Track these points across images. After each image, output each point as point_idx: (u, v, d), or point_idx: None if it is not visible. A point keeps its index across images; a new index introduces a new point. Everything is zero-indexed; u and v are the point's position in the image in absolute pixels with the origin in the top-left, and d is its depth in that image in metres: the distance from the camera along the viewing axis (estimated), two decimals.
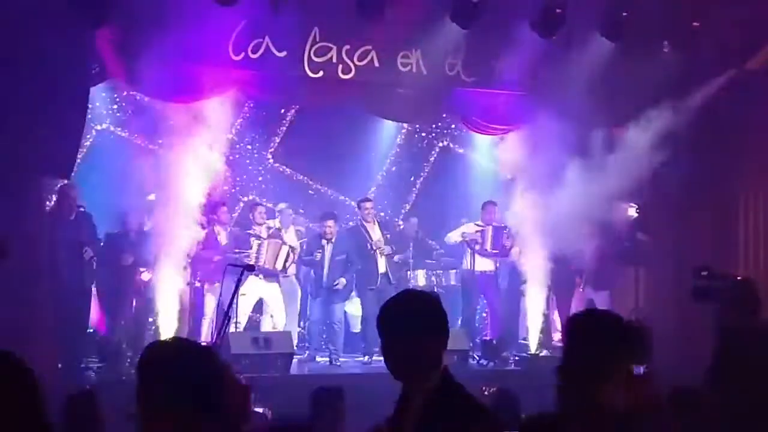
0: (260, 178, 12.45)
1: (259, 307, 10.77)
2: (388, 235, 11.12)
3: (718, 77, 10.60)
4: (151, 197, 10.48)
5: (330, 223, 10.69)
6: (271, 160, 12.65)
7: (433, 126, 12.95)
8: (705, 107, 10.54)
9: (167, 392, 2.43)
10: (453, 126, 12.80)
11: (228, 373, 3.20)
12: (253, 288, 10.30)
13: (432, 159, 13.35)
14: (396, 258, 11.18)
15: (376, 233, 10.85)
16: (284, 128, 12.61)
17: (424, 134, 13.22)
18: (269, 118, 12.36)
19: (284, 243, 10.69)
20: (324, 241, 10.65)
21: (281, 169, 12.69)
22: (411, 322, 2.87)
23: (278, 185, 12.43)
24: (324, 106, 11.36)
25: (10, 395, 2.34)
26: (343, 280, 10.54)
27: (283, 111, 12.47)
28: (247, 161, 12.28)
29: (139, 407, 2.46)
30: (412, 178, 13.29)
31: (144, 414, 2.46)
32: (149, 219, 10.19)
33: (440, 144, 13.36)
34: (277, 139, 12.64)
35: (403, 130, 13.00)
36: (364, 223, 10.93)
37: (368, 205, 11.03)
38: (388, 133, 12.77)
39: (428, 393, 2.87)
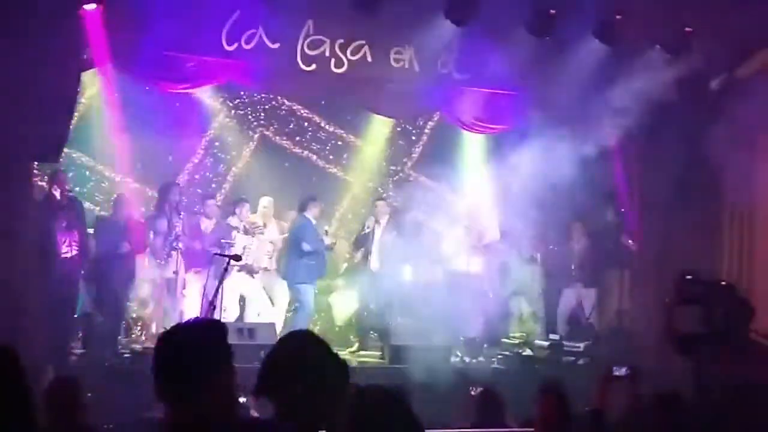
0: (246, 171, 12.28)
1: (244, 302, 10.73)
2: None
3: (707, 83, 10.65)
4: (136, 185, 10.42)
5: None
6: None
7: None
8: (692, 112, 10.58)
9: (187, 373, 2.43)
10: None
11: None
12: (234, 285, 10.26)
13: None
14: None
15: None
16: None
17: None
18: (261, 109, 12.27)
19: (266, 239, 10.68)
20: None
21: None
22: None
23: (263, 178, 12.26)
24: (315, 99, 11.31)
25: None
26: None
27: (273, 103, 12.36)
28: (233, 153, 12.14)
29: (157, 388, 2.44)
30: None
31: (162, 395, 2.45)
32: (135, 206, 10.17)
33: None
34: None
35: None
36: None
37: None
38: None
39: None
